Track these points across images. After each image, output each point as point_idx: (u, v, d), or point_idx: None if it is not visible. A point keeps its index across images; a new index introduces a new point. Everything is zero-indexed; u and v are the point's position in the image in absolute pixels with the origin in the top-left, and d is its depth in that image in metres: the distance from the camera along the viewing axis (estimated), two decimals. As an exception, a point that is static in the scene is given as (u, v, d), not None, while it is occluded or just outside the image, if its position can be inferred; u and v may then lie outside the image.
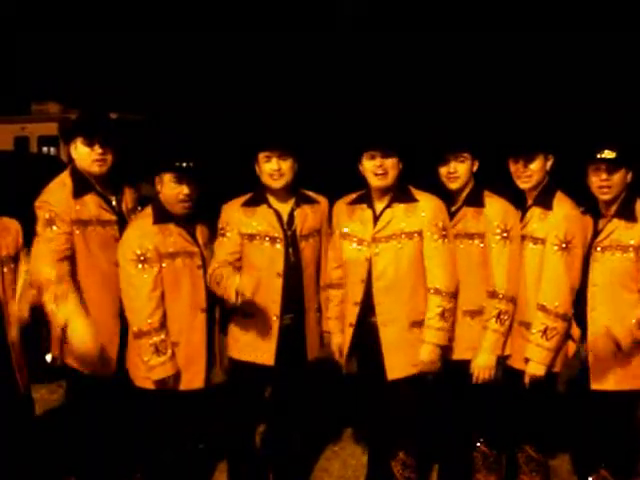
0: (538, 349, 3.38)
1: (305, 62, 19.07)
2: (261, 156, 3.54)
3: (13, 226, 3.46)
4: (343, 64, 18.89)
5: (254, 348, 3.59)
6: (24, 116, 15.36)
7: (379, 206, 3.53)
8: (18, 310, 3.35)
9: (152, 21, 20.01)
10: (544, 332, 3.36)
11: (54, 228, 3.45)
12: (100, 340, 3.38)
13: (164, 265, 3.44)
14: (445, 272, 3.45)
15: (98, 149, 3.50)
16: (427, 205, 3.48)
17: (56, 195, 3.52)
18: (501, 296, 3.45)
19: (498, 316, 3.46)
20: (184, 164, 3.43)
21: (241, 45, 19.77)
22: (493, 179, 3.60)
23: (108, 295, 3.55)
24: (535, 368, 3.40)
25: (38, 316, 3.48)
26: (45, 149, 14.40)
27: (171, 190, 3.45)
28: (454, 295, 3.47)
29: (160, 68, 19.64)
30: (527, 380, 3.43)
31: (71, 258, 3.47)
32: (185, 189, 3.44)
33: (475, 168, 3.58)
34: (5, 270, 3.35)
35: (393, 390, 3.49)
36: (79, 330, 3.19)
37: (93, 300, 3.53)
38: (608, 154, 3.30)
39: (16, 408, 3.40)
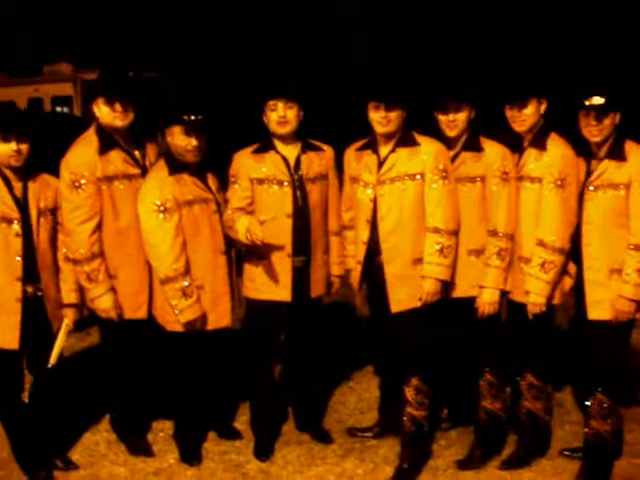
0: (537, 282, 3.58)
1: (313, 14, 19.02)
2: (268, 105, 3.75)
3: (54, 183, 3.70)
4: (349, 17, 18.85)
5: (271, 286, 3.82)
6: (36, 77, 15.49)
7: (384, 151, 3.71)
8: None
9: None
10: (542, 265, 3.56)
11: (80, 192, 3.65)
12: (130, 292, 3.81)
13: (183, 213, 3.66)
14: (444, 211, 3.62)
15: (119, 107, 3.68)
16: (428, 148, 3.66)
17: (81, 155, 3.70)
18: (501, 234, 3.65)
19: (499, 253, 3.66)
20: (192, 117, 3.65)
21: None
22: (489, 124, 3.77)
23: (135, 244, 3.74)
24: (535, 299, 3.60)
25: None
26: (59, 109, 14.55)
27: (180, 142, 3.66)
28: (453, 233, 3.65)
29: (167, 25, 19.63)
30: (530, 311, 3.62)
31: (99, 220, 3.70)
32: (193, 141, 3.65)
33: (472, 115, 3.73)
34: (42, 221, 3.60)
35: (399, 322, 3.71)
36: (104, 304, 3.74)
37: (121, 251, 3.76)
38: (597, 100, 3.45)
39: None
